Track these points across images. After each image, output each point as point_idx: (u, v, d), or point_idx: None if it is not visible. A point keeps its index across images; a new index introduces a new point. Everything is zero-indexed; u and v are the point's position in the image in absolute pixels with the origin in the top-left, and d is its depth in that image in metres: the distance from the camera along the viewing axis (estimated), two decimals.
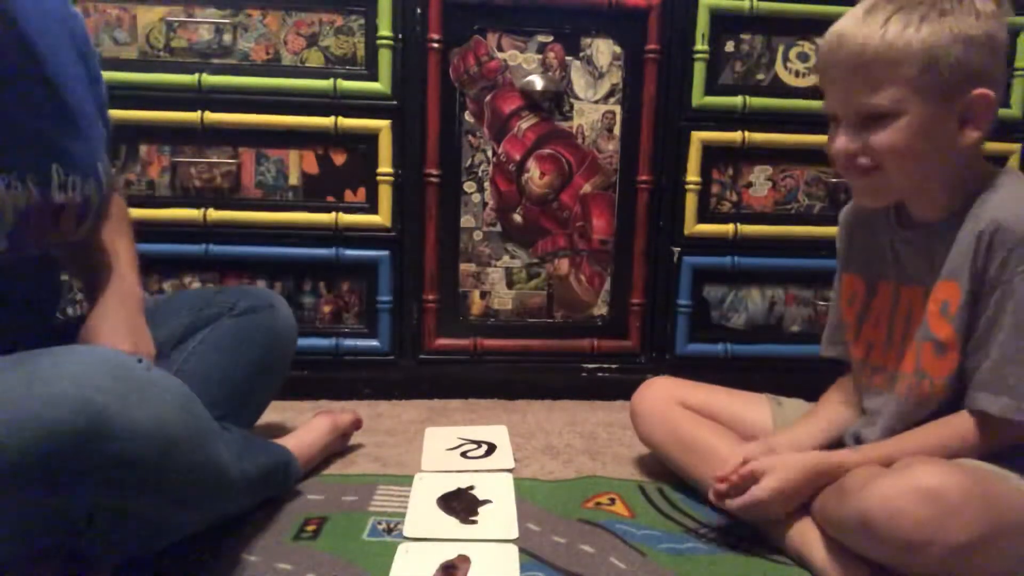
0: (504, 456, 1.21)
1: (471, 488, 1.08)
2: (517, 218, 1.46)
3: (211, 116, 1.34)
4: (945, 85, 0.80)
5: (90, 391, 0.63)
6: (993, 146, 1.44)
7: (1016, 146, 1.47)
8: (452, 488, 1.08)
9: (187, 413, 0.74)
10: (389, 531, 0.96)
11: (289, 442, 1.08)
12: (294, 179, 1.40)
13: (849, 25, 0.83)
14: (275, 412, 1.16)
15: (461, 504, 1.03)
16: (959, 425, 0.84)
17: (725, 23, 1.42)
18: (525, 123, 1.43)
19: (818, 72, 0.89)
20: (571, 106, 1.44)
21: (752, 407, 1.10)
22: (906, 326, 0.92)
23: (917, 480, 0.73)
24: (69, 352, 0.67)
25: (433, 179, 1.41)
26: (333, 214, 1.40)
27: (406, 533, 0.95)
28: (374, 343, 1.46)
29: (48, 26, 0.82)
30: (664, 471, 1.14)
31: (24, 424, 0.60)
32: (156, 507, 0.73)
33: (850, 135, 0.84)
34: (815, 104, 1.43)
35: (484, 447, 1.24)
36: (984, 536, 0.71)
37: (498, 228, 1.46)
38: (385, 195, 1.41)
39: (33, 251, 0.81)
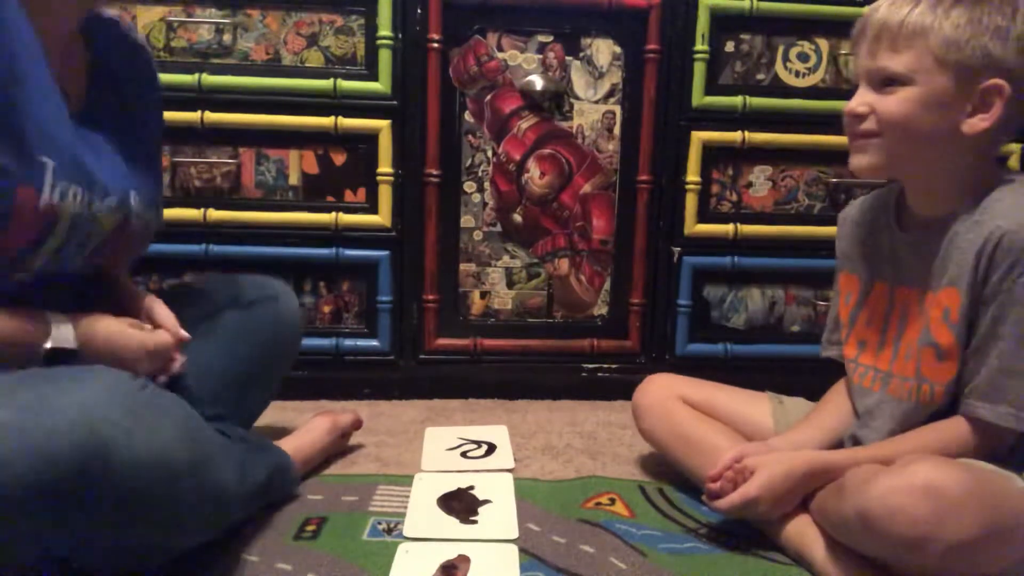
0: (504, 456, 1.21)
1: (471, 488, 1.08)
2: (517, 218, 1.46)
3: (211, 116, 1.34)
4: (964, 66, 0.80)
5: (96, 423, 0.62)
6: None
7: (1016, 147, 1.47)
8: (452, 488, 1.08)
9: (190, 440, 0.74)
10: (389, 531, 0.96)
11: (289, 443, 1.07)
12: (294, 179, 1.40)
13: (885, 2, 0.85)
14: (275, 412, 1.17)
15: (461, 504, 1.03)
16: (956, 429, 0.85)
17: (725, 23, 1.42)
18: (525, 123, 1.43)
19: (852, 42, 0.90)
20: (571, 106, 1.44)
21: (753, 405, 1.10)
22: (900, 327, 0.92)
23: (917, 477, 0.73)
24: (76, 378, 0.66)
25: (433, 179, 1.41)
26: (333, 214, 1.40)
27: (406, 533, 0.95)
28: (374, 343, 1.46)
29: (138, 81, 0.92)
30: (664, 471, 1.14)
31: (28, 453, 0.59)
32: (156, 534, 0.72)
33: (863, 96, 0.86)
34: (815, 104, 1.44)
35: (484, 447, 1.24)
36: (984, 534, 0.71)
37: (498, 228, 1.46)
38: (385, 195, 1.41)
39: (92, 270, 0.85)
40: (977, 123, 0.82)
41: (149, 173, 0.91)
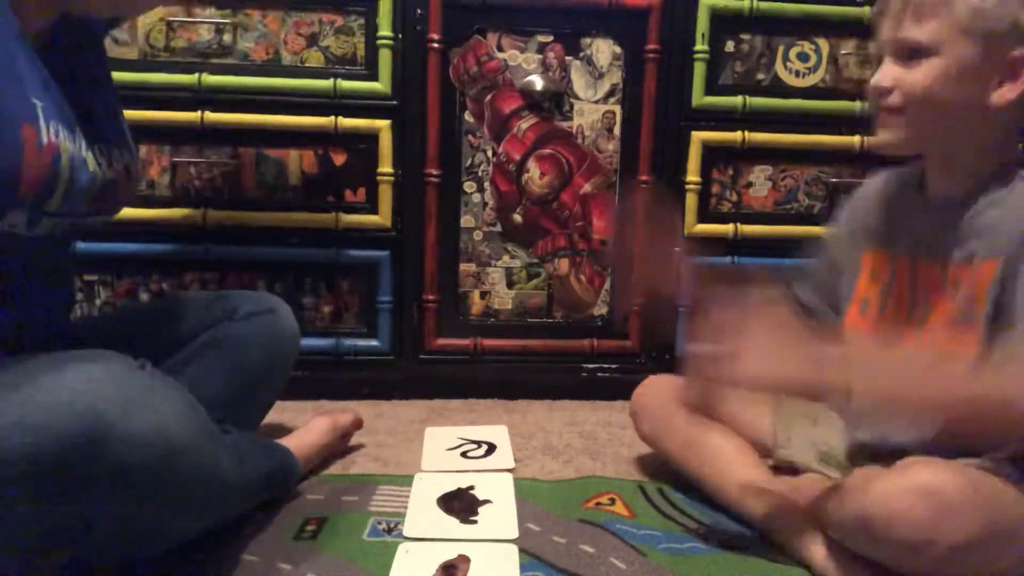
0: (504, 456, 1.21)
1: (471, 488, 1.08)
2: (517, 218, 1.46)
3: (211, 116, 1.34)
4: (991, 35, 0.79)
5: (91, 399, 0.63)
6: None
7: None
8: (452, 488, 1.08)
9: (188, 421, 0.74)
10: (389, 531, 0.96)
11: (289, 443, 1.07)
12: (294, 179, 1.40)
13: None
14: (275, 412, 1.17)
15: (461, 504, 1.03)
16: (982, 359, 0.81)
17: (725, 23, 1.42)
18: (525, 123, 1.43)
19: (875, 14, 0.88)
20: (571, 106, 1.44)
21: (751, 406, 1.10)
22: (925, 302, 0.90)
23: (916, 480, 0.73)
24: (72, 359, 0.67)
25: (433, 179, 1.41)
26: (333, 214, 1.40)
27: (406, 533, 0.95)
28: (374, 343, 1.46)
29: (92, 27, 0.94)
30: (664, 471, 1.14)
31: (26, 432, 0.60)
32: (155, 515, 0.72)
33: (887, 71, 0.84)
34: (815, 104, 1.44)
35: (484, 447, 1.24)
36: (983, 537, 0.71)
37: (498, 228, 1.46)
38: (385, 195, 1.41)
39: (87, 224, 0.88)
40: (1005, 94, 0.80)
41: (122, 118, 0.93)
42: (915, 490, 0.72)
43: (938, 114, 0.83)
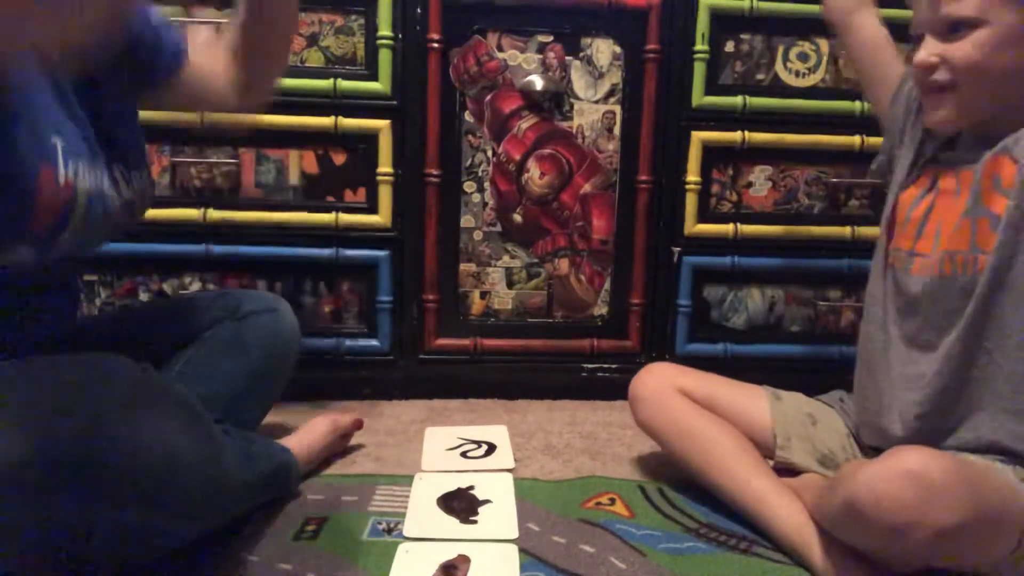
0: (504, 456, 1.21)
1: (471, 488, 1.08)
2: (517, 218, 1.46)
3: (211, 116, 1.34)
4: None
5: (92, 404, 0.63)
6: None
7: None
8: (452, 488, 1.08)
9: (189, 424, 0.74)
10: (389, 531, 0.96)
11: (289, 443, 1.08)
12: (294, 179, 1.40)
13: None
14: (275, 412, 1.17)
15: (461, 504, 1.03)
16: None
17: (725, 23, 1.42)
18: (525, 123, 1.43)
19: None
20: (571, 106, 1.44)
21: (751, 399, 1.10)
22: (942, 209, 0.90)
23: (902, 464, 0.73)
24: (73, 364, 0.67)
25: (433, 179, 1.42)
26: (333, 214, 1.40)
27: (406, 533, 0.95)
28: (374, 343, 1.46)
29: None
30: (664, 471, 1.14)
31: (26, 435, 0.60)
32: (156, 518, 0.72)
33: (931, 47, 0.85)
34: (815, 104, 1.44)
35: (484, 447, 1.24)
36: (968, 521, 0.71)
37: (498, 228, 1.46)
38: (385, 195, 1.41)
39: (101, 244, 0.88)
40: None
41: (133, 137, 0.91)
42: (901, 473, 0.72)
43: (989, 83, 0.84)
